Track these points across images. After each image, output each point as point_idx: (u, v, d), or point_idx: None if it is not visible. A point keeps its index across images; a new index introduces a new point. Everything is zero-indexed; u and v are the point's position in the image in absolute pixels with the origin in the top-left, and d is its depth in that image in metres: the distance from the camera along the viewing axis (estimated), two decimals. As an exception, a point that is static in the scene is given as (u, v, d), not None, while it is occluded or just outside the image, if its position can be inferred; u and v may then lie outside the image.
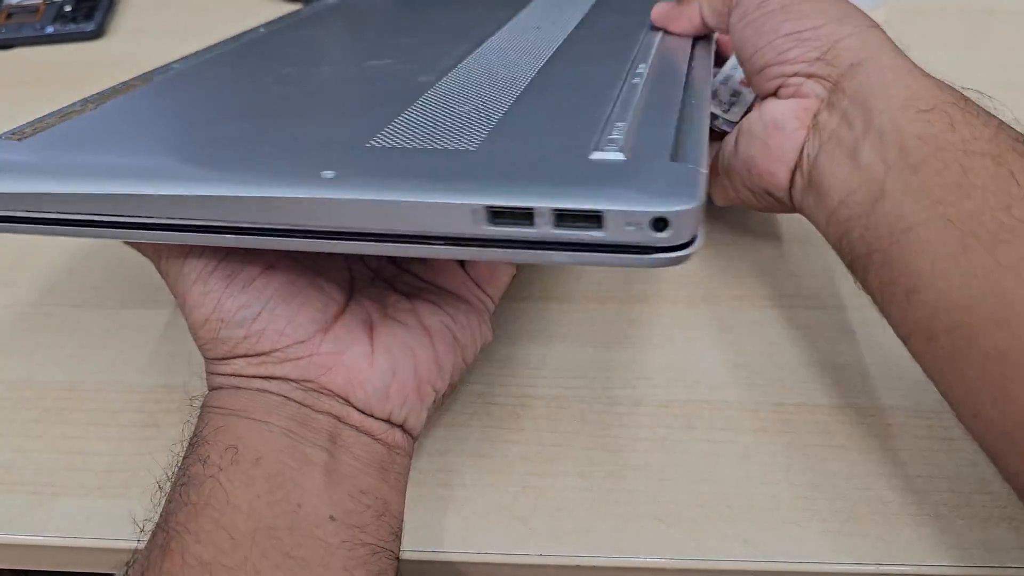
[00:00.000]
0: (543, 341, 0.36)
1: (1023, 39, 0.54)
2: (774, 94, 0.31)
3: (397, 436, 0.28)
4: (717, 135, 0.37)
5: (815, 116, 0.30)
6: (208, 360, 0.28)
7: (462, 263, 0.32)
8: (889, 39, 0.30)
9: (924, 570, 0.28)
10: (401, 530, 0.28)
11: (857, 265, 0.29)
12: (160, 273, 0.29)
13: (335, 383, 0.27)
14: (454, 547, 0.29)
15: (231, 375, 0.28)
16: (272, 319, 0.27)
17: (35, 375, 0.36)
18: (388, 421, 0.28)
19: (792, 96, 0.31)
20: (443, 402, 0.31)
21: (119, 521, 0.30)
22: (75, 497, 0.31)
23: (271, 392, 0.27)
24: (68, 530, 0.30)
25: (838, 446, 0.32)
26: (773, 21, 0.31)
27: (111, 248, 0.42)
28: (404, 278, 0.32)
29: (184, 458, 0.26)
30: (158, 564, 0.23)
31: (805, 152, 0.30)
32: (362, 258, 0.32)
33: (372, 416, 0.28)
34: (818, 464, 0.31)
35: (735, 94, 0.38)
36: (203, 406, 0.27)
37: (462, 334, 0.30)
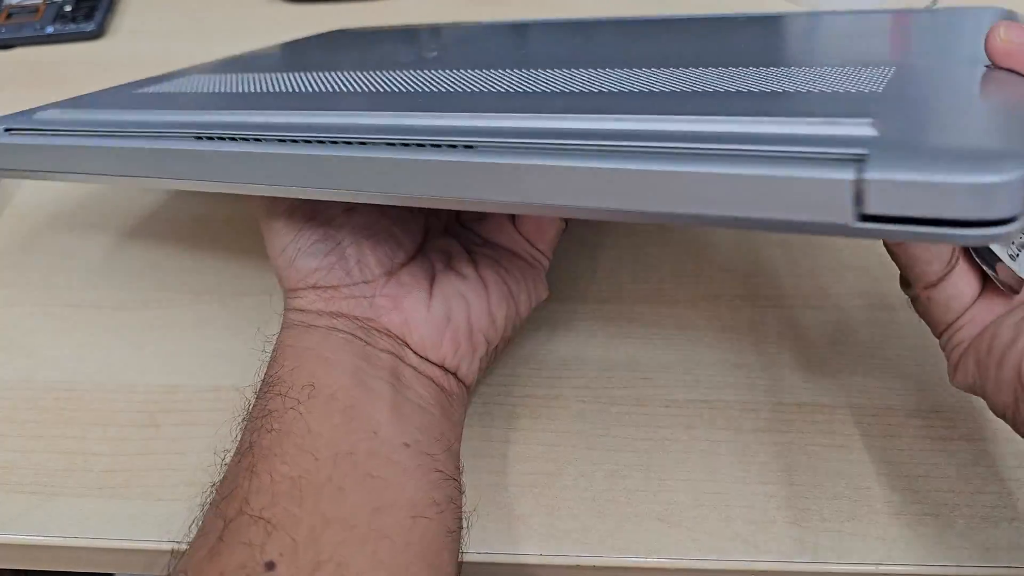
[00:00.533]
0: (543, 341, 0.36)
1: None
2: None
3: (452, 383, 0.30)
4: (993, 287, 0.26)
5: None
6: (285, 293, 0.30)
7: (512, 219, 0.33)
8: None
9: (924, 570, 0.28)
10: (461, 472, 0.29)
11: None
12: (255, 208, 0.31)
13: (394, 323, 0.29)
14: (454, 547, 0.29)
15: (302, 310, 0.29)
16: (343, 256, 0.29)
17: (35, 375, 0.36)
18: (443, 367, 0.30)
19: None
20: (496, 356, 0.33)
21: (119, 521, 0.30)
22: (75, 497, 0.31)
23: (338, 330, 0.28)
24: (68, 530, 0.30)
25: (838, 446, 0.32)
26: None
27: (111, 248, 0.42)
28: (467, 234, 0.34)
29: (264, 393, 0.27)
30: (246, 483, 0.24)
31: None
32: (436, 212, 0.34)
33: (427, 360, 0.29)
34: (818, 464, 0.31)
35: None
36: (277, 343, 0.29)
37: (516, 288, 0.31)
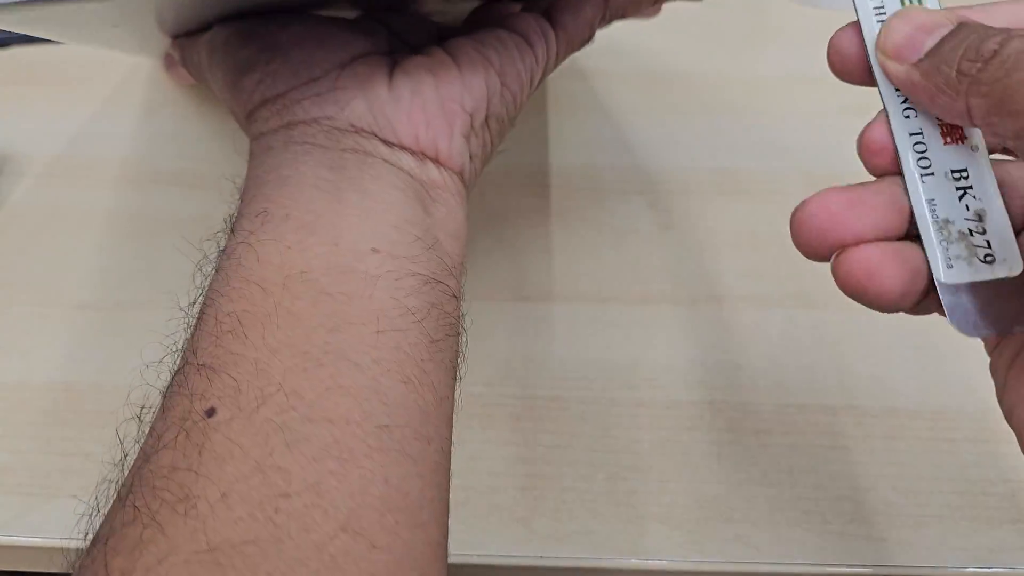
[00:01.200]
0: (543, 341, 0.36)
1: None
2: None
3: (433, 172, 0.27)
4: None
5: None
6: (246, 131, 0.28)
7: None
8: None
9: (927, 572, 0.28)
10: (460, 272, 0.26)
11: None
12: (188, 66, 0.29)
13: (355, 113, 0.26)
14: (454, 548, 0.29)
15: (261, 135, 0.27)
16: (287, 60, 0.27)
17: (33, 376, 0.36)
18: (419, 151, 0.27)
19: None
20: (494, 141, 0.30)
21: (117, 522, 0.30)
22: (73, 498, 0.31)
23: (296, 142, 0.26)
24: (65, 531, 0.30)
25: (840, 447, 0.32)
26: None
27: (111, 249, 0.42)
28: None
29: (223, 238, 0.25)
30: (196, 331, 0.23)
31: None
32: (407, 39, 0.31)
33: (399, 146, 0.27)
34: (820, 465, 0.31)
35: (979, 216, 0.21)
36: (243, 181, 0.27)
37: (495, 56, 0.28)
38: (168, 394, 0.22)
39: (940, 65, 0.19)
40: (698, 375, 0.34)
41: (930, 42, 0.19)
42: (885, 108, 0.21)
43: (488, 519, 0.30)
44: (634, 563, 0.29)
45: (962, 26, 0.19)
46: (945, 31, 0.19)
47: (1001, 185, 0.20)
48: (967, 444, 0.31)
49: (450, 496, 0.31)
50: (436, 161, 0.27)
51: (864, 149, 0.22)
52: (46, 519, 0.30)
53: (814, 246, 0.21)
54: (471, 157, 0.28)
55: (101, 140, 0.46)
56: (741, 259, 0.40)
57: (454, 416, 0.33)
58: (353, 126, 0.26)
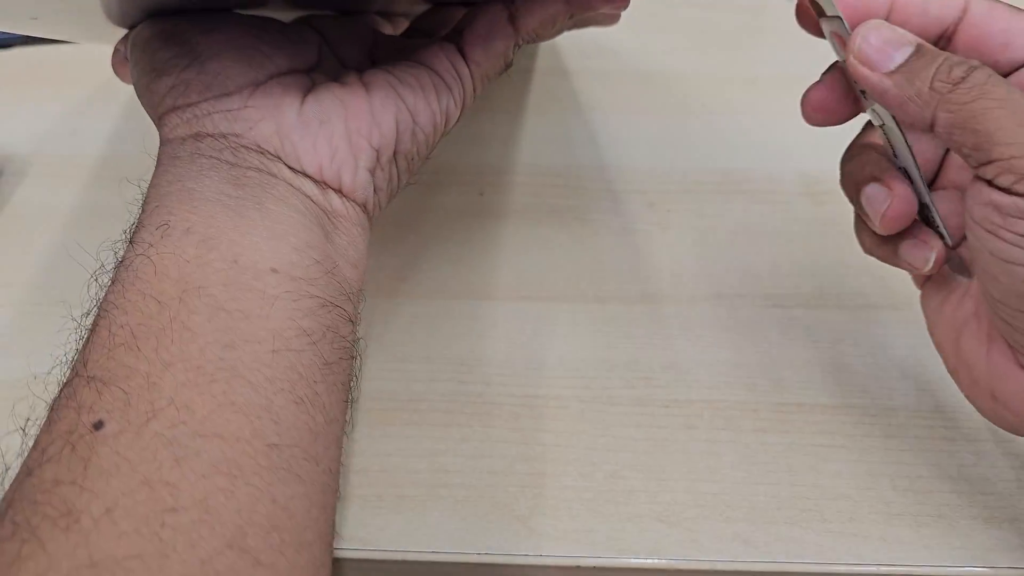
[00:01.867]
0: (543, 341, 0.36)
1: None
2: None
3: (335, 202, 0.27)
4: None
5: None
6: (157, 128, 0.28)
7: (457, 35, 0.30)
8: None
9: (926, 571, 0.28)
10: (358, 299, 0.27)
11: None
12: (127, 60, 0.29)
13: (263, 135, 0.27)
14: (453, 548, 0.29)
15: (168, 141, 0.27)
16: (202, 70, 0.27)
17: (34, 375, 0.36)
18: (321, 180, 0.27)
19: None
20: (400, 176, 0.30)
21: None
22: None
23: (202, 155, 0.26)
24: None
25: (839, 446, 0.32)
26: None
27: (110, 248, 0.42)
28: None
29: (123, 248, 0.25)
30: (88, 343, 0.22)
31: None
32: (337, 51, 0.31)
33: (303, 173, 0.27)
34: (819, 464, 0.31)
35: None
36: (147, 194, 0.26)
37: (410, 95, 0.28)
38: (55, 407, 0.21)
39: (914, 77, 0.22)
40: (697, 374, 0.35)
41: (899, 56, 0.23)
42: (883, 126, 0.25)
43: (488, 517, 0.30)
44: (634, 562, 0.29)
45: (924, 48, 0.23)
46: (911, 47, 0.23)
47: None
48: (967, 443, 0.31)
49: (452, 494, 0.31)
50: (339, 192, 0.27)
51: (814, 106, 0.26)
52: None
53: (821, 120, 0.26)
54: (376, 190, 0.28)
55: (102, 140, 0.46)
56: (740, 259, 0.40)
57: (449, 415, 0.33)
58: (259, 147, 0.26)
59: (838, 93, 0.25)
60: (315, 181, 0.27)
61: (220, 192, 0.25)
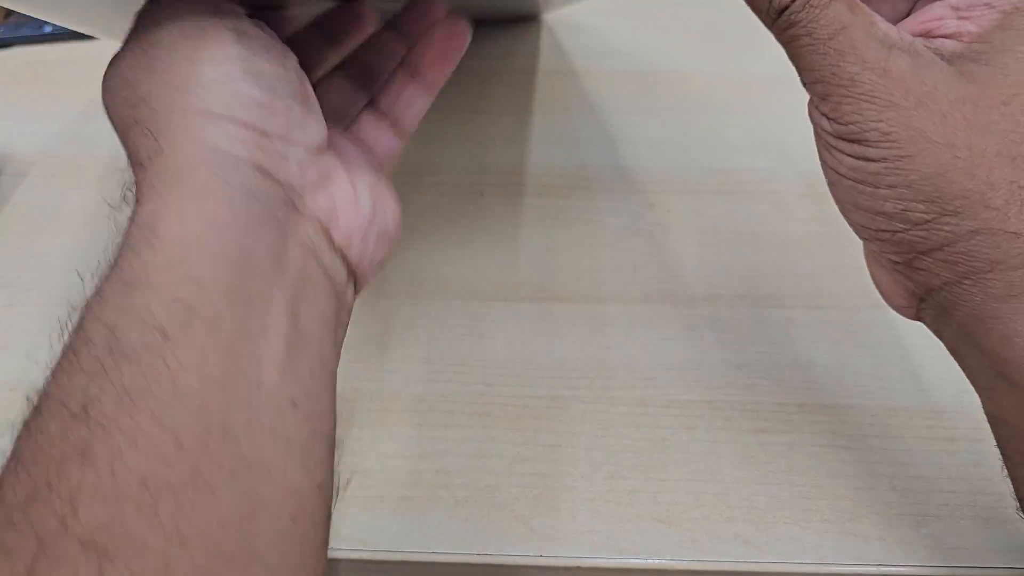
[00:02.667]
0: (543, 341, 0.36)
1: None
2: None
3: (349, 295, 0.25)
4: None
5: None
6: (173, 121, 0.22)
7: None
8: None
9: (926, 571, 0.28)
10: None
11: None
12: None
13: (320, 206, 0.23)
14: (454, 549, 0.29)
15: (214, 149, 0.21)
16: (289, 108, 0.23)
17: (34, 375, 0.36)
18: (351, 270, 0.25)
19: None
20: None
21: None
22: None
23: (257, 198, 0.21)
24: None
25: (839, 447, 0.32)
26: (850, 185, 0.23)
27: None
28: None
29: (114, 294, 0.19)
30: (74, 475, 0.17)
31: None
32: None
33: (344, 258, 0.24)
34: (819, 464, 0.31)
35: None
36: (151, 199, 0.21)
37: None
38: (36, 568, 0.16)
39: None
40: (697, 375, 0.35)
41: None
42: None
43: (488, 518, 0.30)
44: (634, 562, 0.29)
45: None
46: None
47: None
48: (966, 443, 0.31)
49: (452, 494, 0.31)
50: (355, 284, 0.26)
51: None
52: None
53: None
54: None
55: (102, 140, 0.46)
56: (741, 259, 0.40)
57: (450, 415, 0.33)
58: (316, 216, 0.23)
59: None
60: (347, 270, 0.25)
61: (258, 269, 0.21)
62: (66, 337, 0.20)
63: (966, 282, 0.22)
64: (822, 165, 0.24)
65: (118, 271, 0.20)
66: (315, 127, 0.24)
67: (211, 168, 0.21)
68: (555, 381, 0.34)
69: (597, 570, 0.29)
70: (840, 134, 0.23)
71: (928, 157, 0.21)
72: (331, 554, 0.29)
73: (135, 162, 0.22)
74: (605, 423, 0.33)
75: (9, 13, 0.60)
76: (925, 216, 0.22)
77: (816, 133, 0.24)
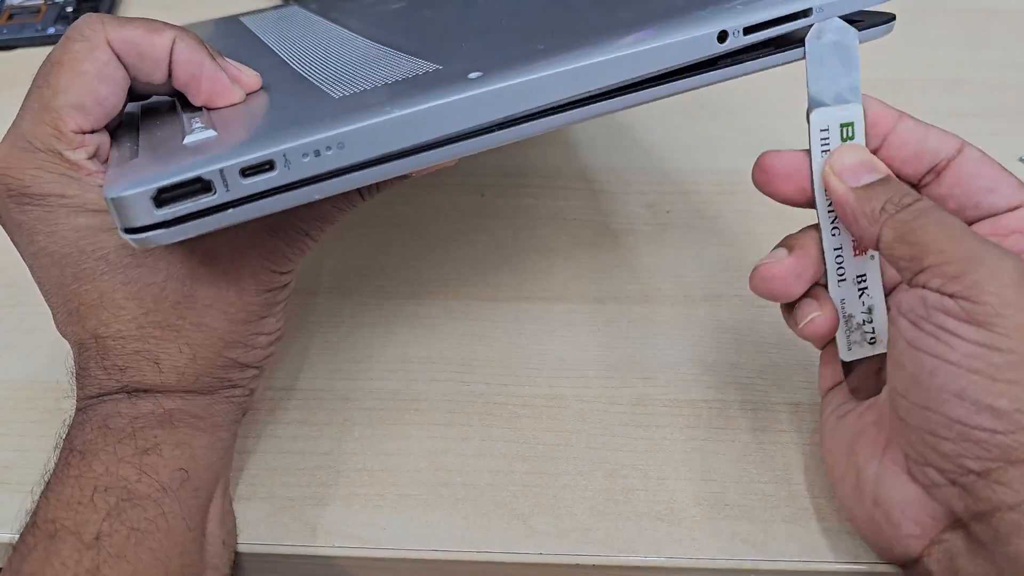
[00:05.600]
0: (543, 341, 0.36)
1: (1023, 39, 0.54)
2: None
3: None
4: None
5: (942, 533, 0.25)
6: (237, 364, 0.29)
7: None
8: None
9: (923, 569, 0.28)
10: None
11: None
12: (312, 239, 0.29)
13: None
14: (454, 547, 0.30)
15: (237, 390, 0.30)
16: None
17: (35, 375, 0.36)
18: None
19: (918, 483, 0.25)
20: None
21: (120, 520, 0.30)
22: (76, 496, 0.31)
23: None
24: (69, 529, 0.30)
25: (837, 445, 0.32)
26: (959, 373, 0.22)
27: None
28: None
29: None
30: None
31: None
32: None
33: None
34: (818, 463, 0.31)
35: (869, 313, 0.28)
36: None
37: None
38: None
39: (871, 197, 0.25)
40: (697, 374, 0.35)
41: (867, 178, 0.25)
42: (819, 225, 0.27)
43: (488, 516, 0.30)
44: (633, 560, 0.29)
45: (890, 178, 0.26)
46: (880, 175, 0.25)
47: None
48: (964, 442, 0.32)
49: (452, 494, 0.31)
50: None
51: (766, 171, 0.27)
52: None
53: (767, 296, 0.28)
54: None
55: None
56: (740, 258, 0.40)
57: (450, 415, 0.34)
58: None
59: (792, 172, 0.27)
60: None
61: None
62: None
63: None
64: (905, 357, 0.24)
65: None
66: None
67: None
68: (555, 381, 0.35)
69: (597, 568, 0.29)
70: (971, 317, 0.22)
71: None
72: (332, 552, 0.30)
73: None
74: (605, 423, 0.33)
75: (12, 15, 0.60)
76: None
77: (916, 322, 0.23)
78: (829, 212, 0.27)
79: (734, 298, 0.38)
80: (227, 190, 0.21)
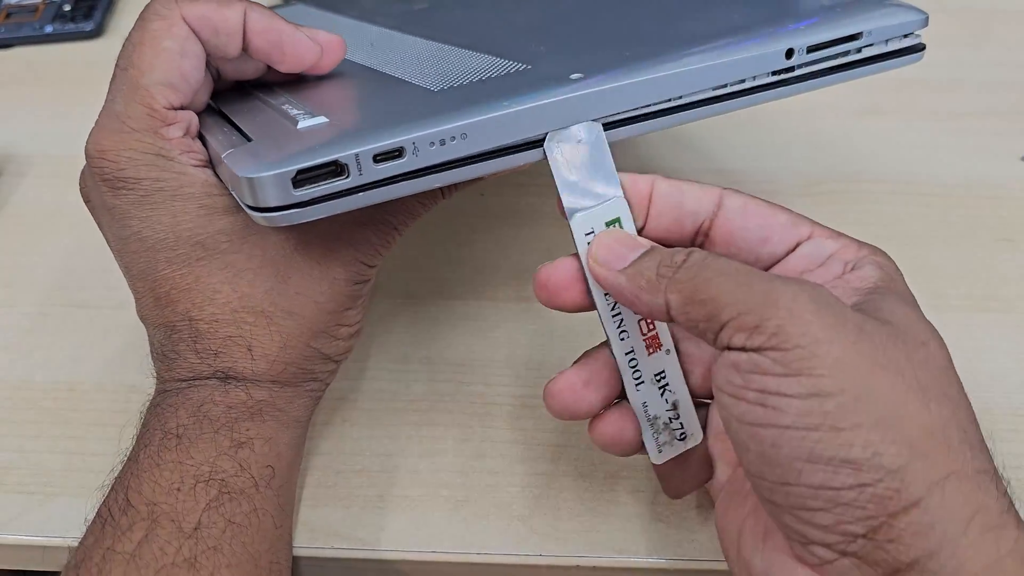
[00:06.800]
0: (543, 341, 0.36)
1: (1023, 39, 0.54)
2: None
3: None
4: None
5: None
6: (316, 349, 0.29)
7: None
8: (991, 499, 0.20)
9: (924, 570, 0.28)
10: None
11: None
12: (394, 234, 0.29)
13: None
14: (454, 547, 0.29)
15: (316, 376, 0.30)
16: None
17: (35, 375, 0.36)
18: None
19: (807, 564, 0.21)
20: None
21: (118, 521, 0.30)
22: (74, 497, 0.31)
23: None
24: (67, 530, 0.30)
25: (838, 446, 0.32)
26: (801, 436, 0.20)
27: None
28: None
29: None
30: None
31: None
32: None
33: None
34: (818, 464, 0.31)
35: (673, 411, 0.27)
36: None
37: None
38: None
39: (642, 270, 0.23)
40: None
41: (632, 256, 0.24)
42: (605, 332, 0.25)
43: (488, 517, 0.30)
44: (634, 561, 0.29)
45: (655, 247, 0.24)
46: (644, 248, 0.24)
47: (684, 358, 0.26)
48: (965, 443, 0.31)
49: (452, 494, 0.31)
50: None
51: (545, 287, 0.26)
52: (48, 518, 0.30)
53: (565, 415, 0.26)
54: None
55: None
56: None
57: (450, 415, 0.33)
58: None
59: (571, 281, 0.25)
60: None
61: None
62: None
63: (947, 548, 0.19)
64: (743, 437, 0.21)
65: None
66: None
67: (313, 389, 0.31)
68: (555, 381, 0.34)
69: (597, 570, 0.29)
70: (786, 368, 0.20)
71: (886, 388, 0.20)
72: (331, 554, 0.30)
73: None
74: (605, 423, 0.33)
75: (9, 14, 0.60)
76: (899, 459, 0.19)
77: (736, 394, 0.21)
78: (613, 315, 0.25)
79: (734, 298, 0.38)
80: (360, 174, 0.22)
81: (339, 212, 0.23)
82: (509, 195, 0.43)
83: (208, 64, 0.27)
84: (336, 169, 0.22)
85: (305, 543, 0.30)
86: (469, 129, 0.23)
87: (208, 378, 0.27)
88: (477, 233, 0.41)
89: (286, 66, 0.27)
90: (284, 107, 0.26)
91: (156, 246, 0.27)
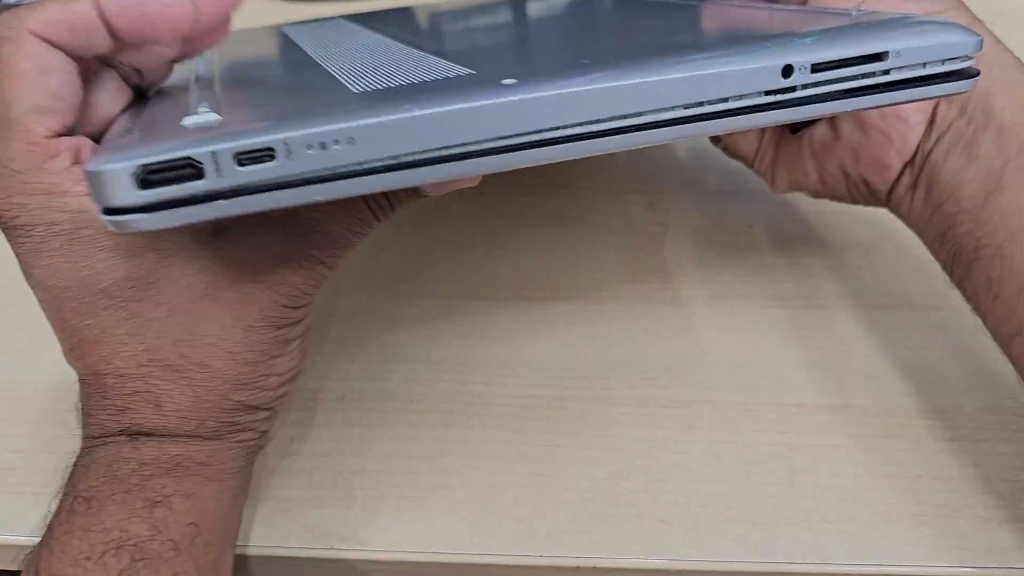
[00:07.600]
0: (543, 341, 0.36)
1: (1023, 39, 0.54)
2: None
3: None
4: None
5: (935, 107, 0.29)
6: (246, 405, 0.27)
7: None
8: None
9: (926, 571, 0.28)
10: None
11: (960, 260, 0.28)
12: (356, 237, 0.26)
13: None
14: (454, 549, 0.29)
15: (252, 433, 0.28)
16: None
17: (34, 375, 0.36)
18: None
19: None
20: None
21: (118, 522, 0.30)
22: (74, 498, 0.31)
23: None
24: (67, 531, 0.30)
25: (839, 446, 0.32)
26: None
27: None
28: None
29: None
30: None
31: (921, 145, 0.30)
32: None
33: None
34: (819, 465, 0.31)
35: None
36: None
37: None
38: None
39: None
40: (697, 375, 0.35)
41: None
42: None
43: (488, 518, 0.30)
44: (634, 562, 0.29)
45: None
46: None
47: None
48: (967, 444, 0.31)
49: (452, 495, 0.31)
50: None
51: None
52: (48, 519, 0.30)
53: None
54: None
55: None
56: (741, 259, 0.40)
57: (450, 415, 0.33)
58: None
59: None
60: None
61: None
62: None
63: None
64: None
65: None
66: None
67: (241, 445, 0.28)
68: (555, 381, 0.34)
69: (597, 570, 0.29)
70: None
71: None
72: (330, 555, 0.29)
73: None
74: (605, 423, 0.33)
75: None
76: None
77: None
78: None
79: (735, 298, 0.38)
80: (219, 176, 0.19)
81: (196, 221, 0.19)
82: (509, 195, 0.43)
83: (101, 72, 0.24)
84: (194, 170, 0.19)
85: (305, 544, 0.30)
86: (356, 133, 0.19)
87: (116, 435, 0.25)
88: (477, 233, 0.41)
89: (167, 35, 0.23)
90: (198, 102, 0.23)
91: (61, 295, 0.24)
